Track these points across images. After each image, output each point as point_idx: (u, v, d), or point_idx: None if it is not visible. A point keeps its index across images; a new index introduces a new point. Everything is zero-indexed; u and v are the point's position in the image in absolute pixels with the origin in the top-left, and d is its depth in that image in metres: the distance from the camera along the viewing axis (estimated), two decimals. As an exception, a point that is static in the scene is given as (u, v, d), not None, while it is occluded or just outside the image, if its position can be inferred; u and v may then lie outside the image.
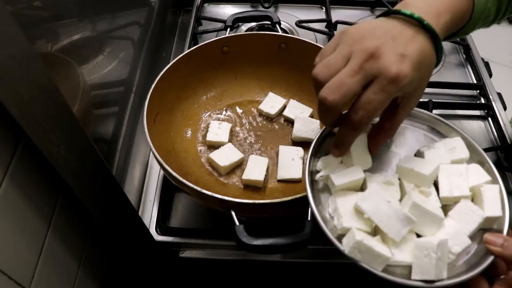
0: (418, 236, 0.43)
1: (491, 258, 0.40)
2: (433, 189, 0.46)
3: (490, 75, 0.90)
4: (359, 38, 0.40)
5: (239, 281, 0.76)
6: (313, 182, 0.46)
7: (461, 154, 0.48)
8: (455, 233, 0.42)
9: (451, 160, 0.48)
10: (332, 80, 0.39)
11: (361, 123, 0.40)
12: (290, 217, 0.55)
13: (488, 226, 0.44)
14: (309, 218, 0.52)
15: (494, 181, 0.46)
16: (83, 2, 0.55)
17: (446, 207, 0.45)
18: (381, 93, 0.38)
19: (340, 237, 0.42)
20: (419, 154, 0.50)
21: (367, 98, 0.39)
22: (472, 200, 0.45)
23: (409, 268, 0.41)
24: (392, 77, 0.38)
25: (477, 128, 0.81)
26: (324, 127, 0.49)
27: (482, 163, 0.48)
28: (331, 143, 0.46)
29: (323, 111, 0.41)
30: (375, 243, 0.40)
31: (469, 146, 0.49)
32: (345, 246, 0.40)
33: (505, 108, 0.83)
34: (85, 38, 0.55)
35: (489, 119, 0.82)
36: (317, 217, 0.42)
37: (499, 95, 0.85)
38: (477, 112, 0.84)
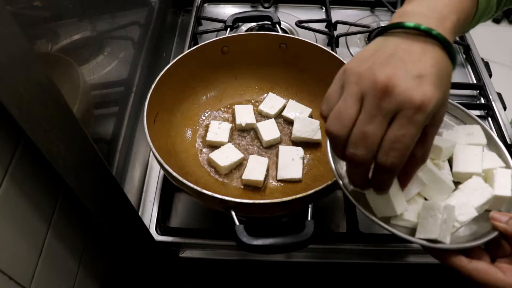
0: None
1: (495, 233, 0.41)
2: (446, 164, 0.47)
3: (490, 75, 0.90)
4: (364, 72, 0.35)
5: (239, 281, 0.76)
6: None
7: (479, 140, 0.49)
8: (463, 204, 0.43)
9: (468, 143, 0.49)
10: (353, 133, 0.35)
11: (395, 165, 0.35)
12: (290, 217, 0.55)
13: (496, 208, 0.44)
14: (309, 218, 0.52)
15: (508, 167, 0.47)
16: (83, 2, 0.55)
17: (457, 184, 0.46)
18: (409, 126, 0.34)
19: (353, 192, 0.44)
20: (438, 134, 0.50)
21: (395, 136, 0.34)
22: (484, 180, 0.46)
23: (413, 230, 0.42)
24: (417, 105, 0.33)
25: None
26: None
27: (499, 155, 0.48)
28: None
29: (354, 169, 0.37)
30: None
31: (488, 137, 0.50)
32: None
33: (505, 108, 0.83)
34: (85, 38, 0.55)
35: (489, 119, 0.82)
36: (335, 173, 0.44)
37: (499, 95, 0.85)
38: (477, 112, 0.84)
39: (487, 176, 0.46)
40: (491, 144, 0.50)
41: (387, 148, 0.34)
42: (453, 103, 0.53)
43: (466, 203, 0.43)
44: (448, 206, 0.41)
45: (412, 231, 0.42)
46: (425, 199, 0.45)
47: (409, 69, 0.34)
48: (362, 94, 0.35)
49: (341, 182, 0.44)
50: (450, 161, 0.48)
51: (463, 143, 0.48)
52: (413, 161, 0.38)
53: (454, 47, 0.94)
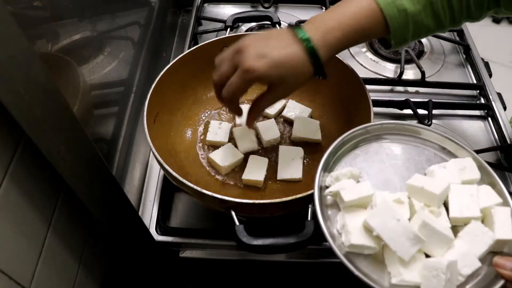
0: (427, 256, 0.42)
1: (501, 282, 0.40)
2: (443, 209, 0.45)
3: (490, 75, 0.90)
4: (243, 39, 0.52)
5: (239, 281, 0.76)
6: (321, 198, 0.46)
7: (472, 175, 0.47)
8: (465, 254, 0.41)
9: (461, 180, 0.47)
10: (216, 65, 0.55)
11: (227, 97, 0.52)
12: (290, 217, 0.55)
13: (498, 249, 0.43)
14: (309, 218, 0.52)
15: (505, 203, 0.45)
16: (83, 2, 0.55)
17: (455, 228, 0.44)
18: (238, 78, 0.50)
19: (347, 254, 0.42)
20: (429, 173, 0.49)
21: (230, 81, 0.51)
22: (483, 222, 0.44)
23: None
24: (245, 68, 0.49)
25: (477, 128, 0.81)
26: (335, 142, 0.51)
27: (493, 185, 0.47)
28: (340, 160, 0.51)
29: (214, 87, 0.55)
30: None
31: (480, 167, 0.48)
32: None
33: (505, 108, 0.83)
34: (85, 38, 0.55)
35: (489, 119, 0.82)
36: (326, 234, 0.42)
37: (499, 95, 0.85)
38: (477, 112, 0.84)
39: (486, 216, 0.45)
40: (483, 174, 0.48)
41: (226, 85, 0.52)
42: (443, 134, 0.52)
43: (468, 253, 0.41)
44: (451, 264, 0.39)
45: None
46: (425, 254, 0.42)
47: (263, 50, 0.49)
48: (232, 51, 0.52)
49: (333, 245, 0.42)
50: (445, 204, 0.46)
51: (457, 182, 0.46)
52: (250, 110, 0.58)
53: (454, 47, 0.95)
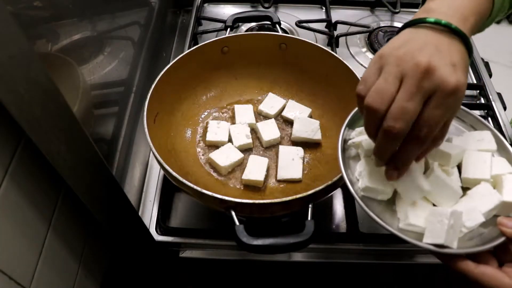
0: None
1: (502, 239, 0.41)
2: (455, 170, 0.48)
3: (490, 75, 0.90)
4: (403, 55, 0.38)
5: (239, 281, 0.76)
6: (344, 150, 0.49)
7: (489, 146, 0.49)
8: (471, 209, 0.43)
9: (478, 149, 0.49)
10: (393, 107, 0.38)
11: (427, 139, 0.39)
12: (290, 217, 0.55)
13: (505, 213, 0.44)
14: (309, 218, 0.52)
15: None
16: (83, 2, 0.55)
17: (466, 190, 0.46)
18: (442, 107, 0.37)
19: (363, 198, 0.45)
20: (447, 140, 0.50)
21: (430, 114, 0.37)
22: (493, 187, 0.46)
23: (421, 235, 0.42)
24: (452, 89, 0.37)
25: (477, 128, 0.81)
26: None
27: (510, 160, 0.48)
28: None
29: (389, 141, 0.39)
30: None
31: (499, 142, 0.50)
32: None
33: (505, 108, 0.83)
34: (85, 38, 0.55)
35: (489, 119, 0.82)
36: (345, 179, 0.45)
37: (499, 95, 0.85)
38: (477, 112, 0.83)
39: (496, 182, 0.46)
40: (501, 149, 0.49)
41: (422, 123, 0.37)
42: (464, 108, 0.53)
43: (473, 209, 0.43)
44: (455, 212, 0.41)
45: (420, 236, 0.42)
46: (434, 205, 0.45)
47: (444, 57, 0.38)
48: (402, 74, 0.38)
49: (351, 188, 0.45)
50: (459, 167, 0.48)
51: (473, 149, 0.48)
52: (432, 143, 0.42)
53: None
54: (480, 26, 0.48)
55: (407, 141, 0.39)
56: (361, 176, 0.46)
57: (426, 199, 0.45)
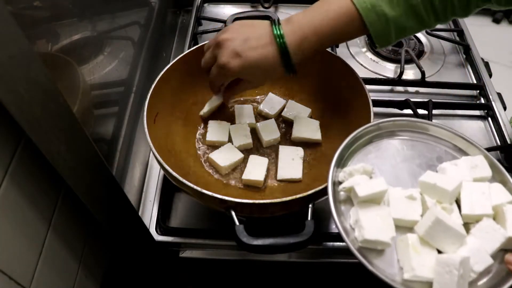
0: (439, 252, 0.43)
1: None
2: (455, 206, 0.46)
3: (490, 75, 0.90)
4: (227, 30, 0.56)
5: (239, 281, 0.76)
6: (335, 193, 0.47)
7: (484, 173, 0.48)
8: (477, 251, 0.41)
9: (473, 178, 0.47)
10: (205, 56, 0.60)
11: (210, 81, 0.60)
12: (290, 217, 0.55)
13: (510, 247, 0.43)
14: (309, 218, 0.52)
15: None
16: (83, 2, 0.55)
17: (467, 226, 0.44)
18: (215, 70, 0.57)
19: (360, 249, 0.42)
20: (441, 171, 0.49)
21: (211, 70, 0.58)
22: (494, 219, 0.44)
23: (429, 284, 0.41)
24: (220, 64, 0.55)
25: (477, 128, 0.81)
26: (348, 138, 0.51)
27: (504, 183, 0.48)
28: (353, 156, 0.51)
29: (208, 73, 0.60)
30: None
31: (492, 164, 0.49)
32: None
33: (505, 108, 0.83)
34: (85, 38, 0.55)
35: (489, 119, 0.82)
36: (340, 229, 0.43)
37: (499, 95, 0.85)
38: (477, 112, 0.84)
39: (497, 214, 0.45)
40: (494, 172, 0.48)
41: (210, 72, 0.59)
42: (454, 132, 0.53)
43: (479, 249, 0.42)
44: (464, 260, 0.39)
45: (427, 285, 0.41)
46: (438, 250, 0.43)
47: (240, 47, 0.53)
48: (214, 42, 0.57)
49: (347, 239, 0.43)
50: (457, 201, 0.47)
51: (469, 179, 0.47)
52: (224, 94, 0.65)
53: (454, 47, 0.95)
54: (340, 42, 0.65)
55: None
56: (357, 226, 0.44)
57: (430, 245, 0.43)
